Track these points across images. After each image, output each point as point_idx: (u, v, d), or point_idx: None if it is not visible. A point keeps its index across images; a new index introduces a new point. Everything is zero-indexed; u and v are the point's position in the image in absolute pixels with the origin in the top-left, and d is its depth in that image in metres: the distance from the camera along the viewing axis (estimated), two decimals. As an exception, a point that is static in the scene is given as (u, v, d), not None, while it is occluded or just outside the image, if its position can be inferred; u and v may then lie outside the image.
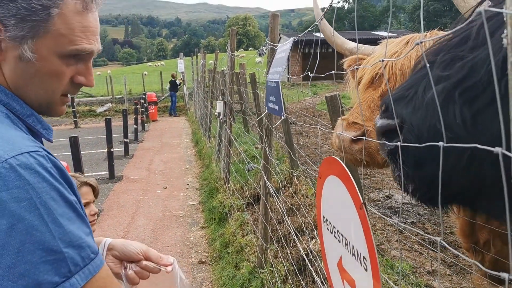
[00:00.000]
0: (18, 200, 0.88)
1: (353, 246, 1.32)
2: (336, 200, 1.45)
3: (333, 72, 1.73)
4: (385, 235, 4.39)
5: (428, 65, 0.87)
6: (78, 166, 5.93)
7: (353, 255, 1.32)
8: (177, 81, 21.58)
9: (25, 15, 1.01)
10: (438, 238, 0.88)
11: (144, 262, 1.44)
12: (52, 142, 1.22)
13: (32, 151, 0.94)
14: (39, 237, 0.89)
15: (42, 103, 1.12)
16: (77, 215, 0.99)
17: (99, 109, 22.04)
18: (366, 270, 1.24)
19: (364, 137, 1.47)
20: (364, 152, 1.66)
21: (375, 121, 1.07)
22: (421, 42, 0.83)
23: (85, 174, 2.46)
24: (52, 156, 1.01)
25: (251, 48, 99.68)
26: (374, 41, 2.19)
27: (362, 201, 1.21)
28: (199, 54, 17.77)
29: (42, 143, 1.19)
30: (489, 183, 0.87)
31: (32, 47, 1.03)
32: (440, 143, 0.82)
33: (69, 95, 1.17)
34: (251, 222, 5.14)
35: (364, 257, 1.24)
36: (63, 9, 1.05)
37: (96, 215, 2.23)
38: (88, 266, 0.97)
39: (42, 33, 1.03)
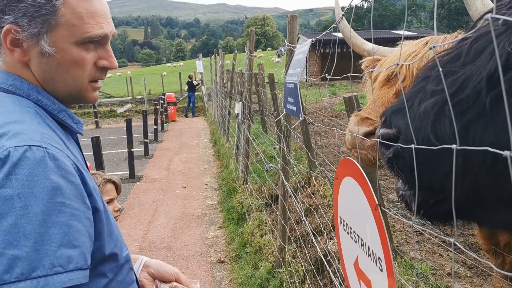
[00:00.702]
0: (0, 187, 0.90)
1: (368, 247, 1.33)
2: (352, 201, 1.47)
3: (349, 74, 1.74)
4: (405, 237, 4.36)
5: (441, 69, 0.89)
6: (99, 165, 6.04)
7: (369, 255, 1.33)
8: (194, 82, 21.69)
9: (34, 11, 1.05)
10: (452, 239, 0.89)
11: (175, 283, 1.50)
12: (82, 135, 1.27)
13: (33, 145, 0.96)
14: (5, 227, 0.88)
15: (73, 92, 1.16)
16: (60, 221, 0.94)
17: (119, 110, 22.32)
18: (381, 270, 1.25)
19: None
20: (375, 148, 1.66)
21: (376, 131, 1.12)
22: (434, 47, 0.84)
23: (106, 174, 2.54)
24: (61, 154, 1.00)
25: (269, 48, 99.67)
26: (394, 40, 2.19)
27: (377, 202, 1.22)
28: (217, 55, 17.87)
29: (76, 137, 1.24)
30: (485, 193, 0.91)
31: (49, 41, 1.08)
32: (453, 146, 0.84)
33: (99, 81, 1.20)
34: (269, 222, 5.16)
35: (379, 258, 1.25)
36: None
37: (119, 211, 2.31)
38: (47, 277, 0.89)
39: (54, 26, 1.07)
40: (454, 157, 0.81)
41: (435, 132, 0.91)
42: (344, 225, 1.59)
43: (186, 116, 21.54)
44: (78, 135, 1.26)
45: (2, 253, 0.87)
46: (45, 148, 0.97)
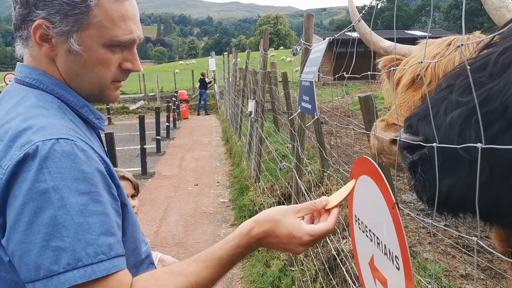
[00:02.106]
0: (34, 181, 0.92)
1: (385, 245, 1.33)
2: (368, 200, 1.46)
3: (367, 73, 1.73)
4: (417, 237, 4.34)
5: (468, 67, 0.89)
6: (113, 162, 6.07)
7: (385, 254, 1.33)
8: (206, 80, 21.69)
9: (67, 10, 1.06)
10: (474, 238, 0.88)
11: None
12: (104, 131, 1.29)
13: (61, 138, 0.97)
14: (45, 220, 0.90)
15: (95, 90, 1.18)
16: (101, 210, 0.97)
17: (132, 107, 22.45)
18: (398, 269, 1.25)
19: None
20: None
21: (399, 134, 1.12)
22: (462, 45, 0.84)
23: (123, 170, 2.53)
24: (87, 146, 1.03)
25: (281, 47, 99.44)
26: (407, 41, 2.16)
27: (394, 200, 1.22)
28: (230, 54, 17.89)
29: (98, 132, 1.26)
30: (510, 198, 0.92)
31: (78, 40, 1.09)
32: (479, 145, 0.84)
33: (121, 82, 1.22)
34: (281, 220, 5.16)
35: (396, 256, 1.25)
36: None
37: (135, 208, 2.29)
38: (93, 265, 0.92)
39: (85, 26, 1.08)
40: (479, 157, 0.81)
41: (462, 143, 0.91)
42: (359, 223, 1.59)
43: (199, 114, 21.56)
44: (99, 131, 1.28)
45: (47, 246, 0.90)
46: (72, 140, 0.99)
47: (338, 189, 1.42)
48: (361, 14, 1.99)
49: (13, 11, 1.11)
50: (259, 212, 4.59)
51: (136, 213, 2.23)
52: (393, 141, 1.65)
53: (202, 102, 21.64)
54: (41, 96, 1.10)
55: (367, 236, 1.49)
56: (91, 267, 0.92)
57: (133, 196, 2.27)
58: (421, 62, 1.09)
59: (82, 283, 0.91)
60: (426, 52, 1.72)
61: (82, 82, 1.15)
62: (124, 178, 2.28)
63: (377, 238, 1.39)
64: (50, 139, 0.96)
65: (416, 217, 1.57)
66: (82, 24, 1.08)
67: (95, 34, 1.10)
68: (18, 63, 1.18)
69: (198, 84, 22.02)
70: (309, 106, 2.78)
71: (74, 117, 1.14)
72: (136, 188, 2.31)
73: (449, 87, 1.01)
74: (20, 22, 1.10)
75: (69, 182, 0.94)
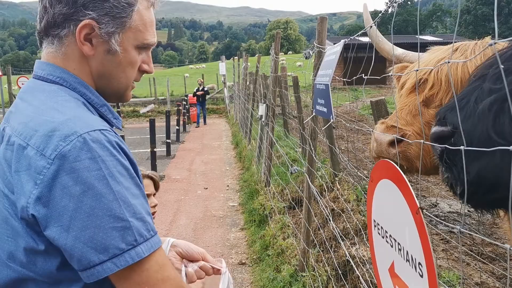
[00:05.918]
0: (89, 170, 0.98)
1: (407, 252, 1.30)
2: (389, 205, 1.42)
3: (363, 77, 1.70)
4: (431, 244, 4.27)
5: (502, 67, 0.85)
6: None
7: (407, 260, 1.30)
8: (206, 88, 19.38)
9: (116, 12, 1.14)
10: (508, 246, 0.85)
11: (203, 262, 1.53)
12: (121, 130, 1.39)
13: (102, 129, 1.05)
14: (107, 204, 0.98)
15: (121, 89, 1.26)
16: (141, 193, 1.07)
17: (142, 110, 22.55)
18: (421, 276, 1.21)
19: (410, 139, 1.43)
20: (402, 156, 1.63)
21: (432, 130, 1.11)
22: (495, 43, 0.81)
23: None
24: (119, 137, 1.11)
25: (290, 52, 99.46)
26: (419, 45, 2.13)
27: (418, 205, 1.18)
28: (241, 58, 17.91)
29: None
30: None
31: (119, 41, 1.17)
32: None
33: (135, 82, 1.30)
34: (292, 225, 5.12)
35: (419, 263, 1.22)
36: (139, 5, 1.19)
37: (156, 207, 2.31)
38: (150, 240, 1.03)
39: (126, 28, 1.17)
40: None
41: (496, 129, 0.91)
42: (378, 229, 1.55)
43: (198, 126, 18.79)
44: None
45: (113, 227, 0.98)
46: (110, 131, 1.08)
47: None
48: (373, 22, 1.96)
49: (49, 10, 1.13)
50: (269, 216, 4.53)
51: (155, 212, 2.22)
52: (391, 143, 1.62)
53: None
54: (66, 91, 1.14)
55: (387, 242, 1.45)
56: (149, 241, 1.03)
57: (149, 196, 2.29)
58: (416, 71, 1.07)
59: (147, 255, 1.01)
60: (433, 57, 1.72)
61: (112, 81, 1.22)
62: (148, 176, 2.31)
63: (399, 244, 1.35)
64: (95, 130, 1.02)
65: (448, 225, 1.53)
66: (124, 27, 1.17)
67: (132, 37, 1.19)
68: (37, 60, 1.21)
69: (196, 98, 18.96)
70: (325, 110, 2.74)
71: (97, 114, 1.19)
72: (157, 187, 2.38)
73: (481, 77, 1.01)
74: (61, 20, 1.13)
75: (119, 168, 1.02)
